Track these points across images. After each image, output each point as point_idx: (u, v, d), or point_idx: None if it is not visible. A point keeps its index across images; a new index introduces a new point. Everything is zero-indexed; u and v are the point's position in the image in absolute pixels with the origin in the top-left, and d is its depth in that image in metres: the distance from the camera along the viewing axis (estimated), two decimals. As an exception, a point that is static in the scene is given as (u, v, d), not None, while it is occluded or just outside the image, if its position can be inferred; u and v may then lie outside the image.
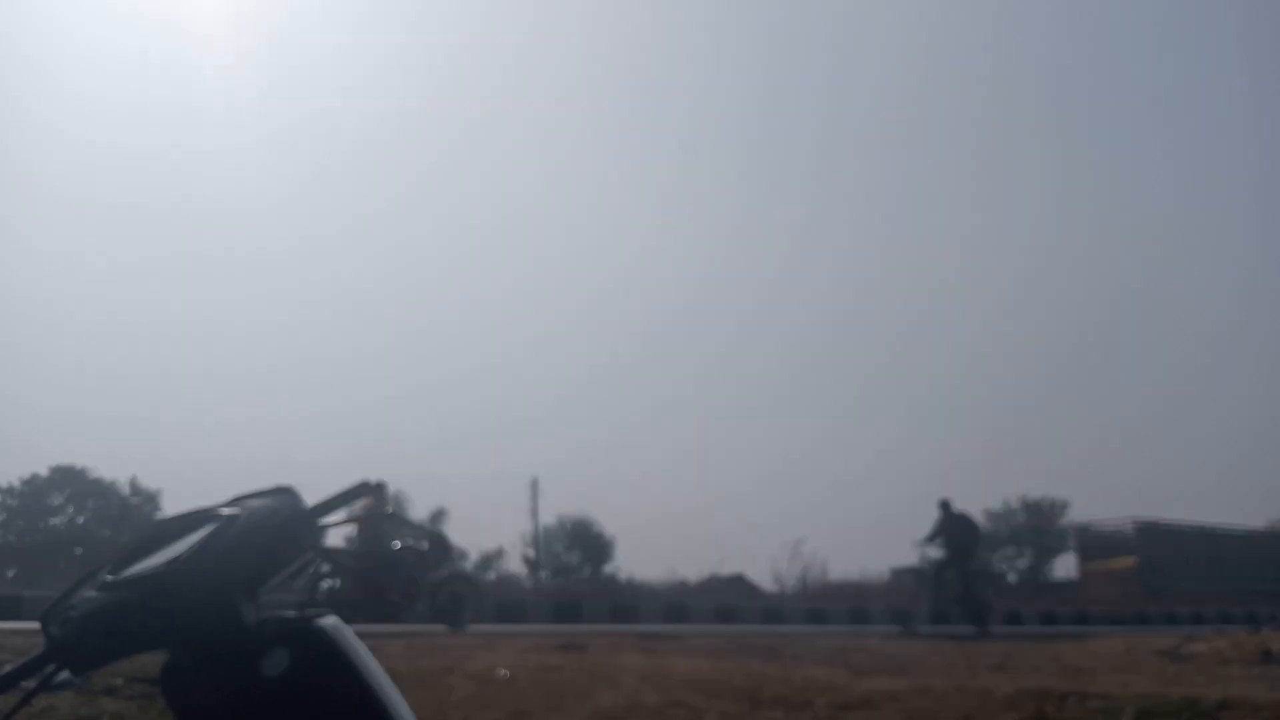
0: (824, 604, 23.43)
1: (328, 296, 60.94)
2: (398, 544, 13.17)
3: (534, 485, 35.60)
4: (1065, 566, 38.58)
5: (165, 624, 1.24)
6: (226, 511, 1.36)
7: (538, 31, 73.14)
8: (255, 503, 1.40)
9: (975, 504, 42.17)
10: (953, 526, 16.33)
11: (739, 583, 30.15)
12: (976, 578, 17.96)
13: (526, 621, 16.70)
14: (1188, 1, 64.41)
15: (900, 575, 37.99)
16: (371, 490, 1.55)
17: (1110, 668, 8.83)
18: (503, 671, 6.67)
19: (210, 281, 60.14)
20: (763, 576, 32.38)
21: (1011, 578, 37.40)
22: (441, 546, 14.11)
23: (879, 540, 39.12)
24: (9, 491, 27.96)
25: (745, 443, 55.85)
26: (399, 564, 12.91)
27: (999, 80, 69.80)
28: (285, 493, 1.45)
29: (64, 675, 1.25)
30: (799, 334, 64.29)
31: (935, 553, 17.29)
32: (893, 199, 67.70)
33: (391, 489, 19.03)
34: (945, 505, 16.80)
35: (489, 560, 33.50)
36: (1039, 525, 38.61)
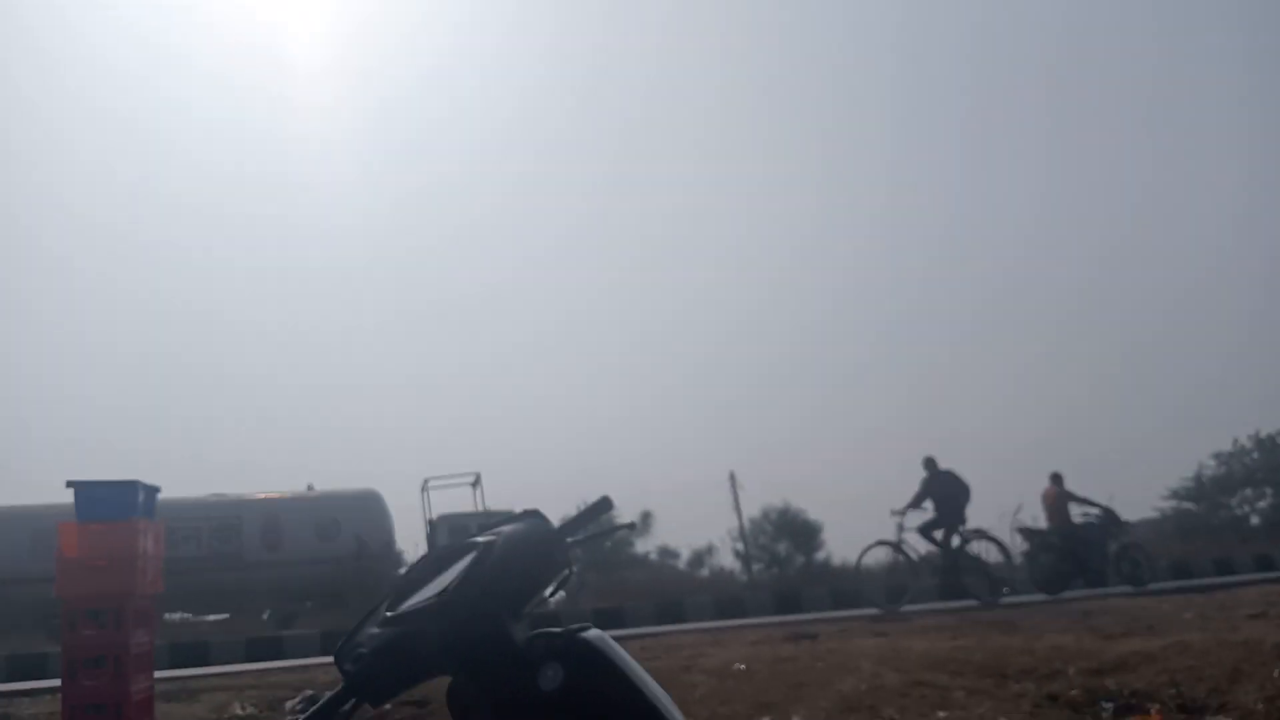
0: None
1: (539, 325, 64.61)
2: (1080, 519, 14.83)
3: (732, 479, 35.91)
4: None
5: (444, 651, 1.35)
6: (484, 540, 1.48)
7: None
8: (508, 529, 1.51)
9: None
10: (940, 487, 14.28)
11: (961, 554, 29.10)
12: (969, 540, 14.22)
13: (748, 615, 16.72)
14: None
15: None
16: (610, 505, 1.63)
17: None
18: (739, 665, 6.75)
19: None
20: (984, 548, 31.16)
21: (1255, 521, 34.27)
22: (1115, 519, 15.21)
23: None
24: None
25: (944, 409, 54.65)
26: (1091, 537, 14.60)
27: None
28: (534, 515, 1.57)
29: (363, 708, 1.34)
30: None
31: (915, 519, 14.48)
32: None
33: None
34: (931, 463, 14.67)
35: (701, 557, 33.85)
36: (1276, 462, 35.02)
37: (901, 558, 13.81)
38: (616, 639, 1.41)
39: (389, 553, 25.34)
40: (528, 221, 74.48)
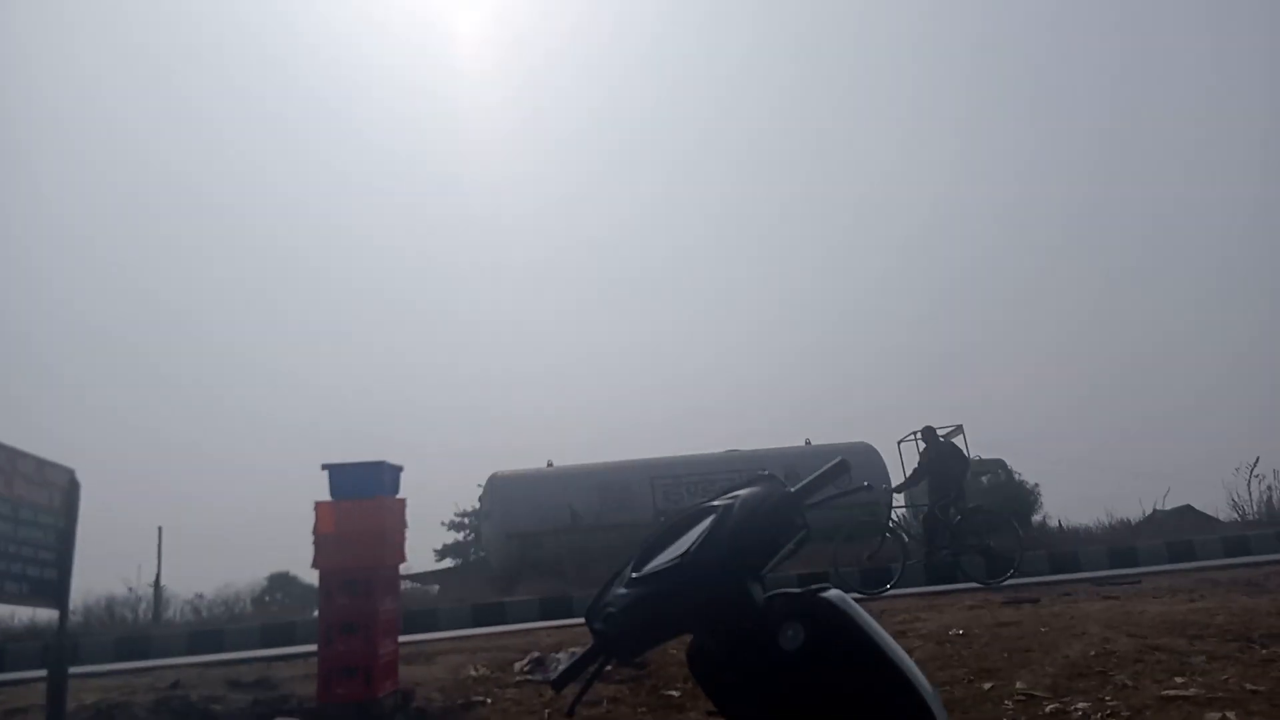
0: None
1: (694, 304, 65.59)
2: None
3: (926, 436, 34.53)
4: None
5: (688, 610, 1.42)
6: (722, 503, 1.54)
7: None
8: (745, 492, 1.57)
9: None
10: (937, 460, 12.67)
11: (1189, 514, 27.04)
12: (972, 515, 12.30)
13: (957, 581, 16.27)
14: None
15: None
16: (847, 468, 1.63)
17: None
18: (957, 630, 6.62)
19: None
20: (1217, 505, 28.90)
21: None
22: None
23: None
24: (475, 514, 31.93)
25: (1164, 364, 51.12)
26: None
27: None
28: (770, 479, 1.61)
29: (612, 663, 1.46)
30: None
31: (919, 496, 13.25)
32: None
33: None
34: (930, 433, 13.29)
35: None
36: None
37: (891, 537, 12.27)
38: None
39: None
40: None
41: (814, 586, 1.44)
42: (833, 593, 1.43)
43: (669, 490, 26.12)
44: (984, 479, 26.64)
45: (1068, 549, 18.43)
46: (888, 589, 11.55)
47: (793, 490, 1.57)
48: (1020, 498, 26.01)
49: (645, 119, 76.58)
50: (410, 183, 76.69)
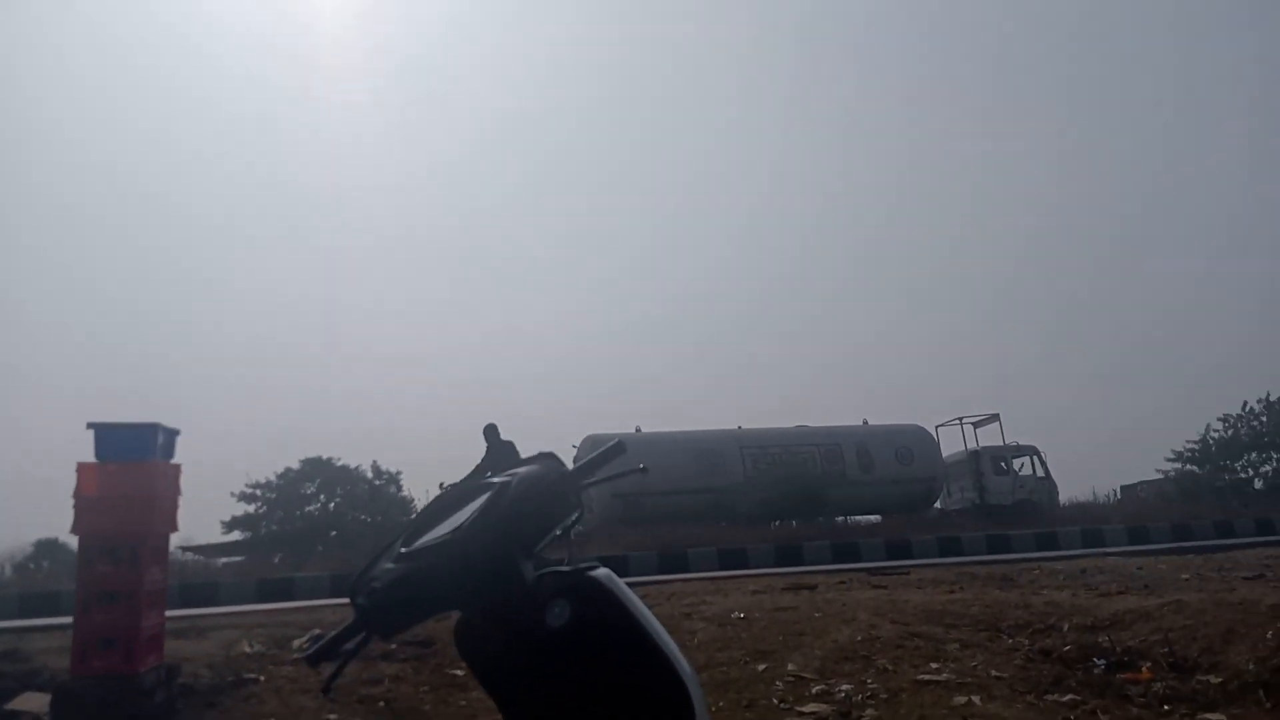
0: (1054, 527, 22.43)
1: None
2: None
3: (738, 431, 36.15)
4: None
5: (456, 587, 1.37)
6: (499, 480, 1.50)
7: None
8: (523, 470, 1.54)
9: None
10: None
11: (961, 514, 29.35)
12: None
13: (750, 566, 16.91)
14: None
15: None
16: (624, 450, 1.63)
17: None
18: (738, 614, 6.86)
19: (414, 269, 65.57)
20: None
21: (1258, 485, 34.11)
22: None
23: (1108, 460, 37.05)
24: (268, 486, 30.69)
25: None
26: None
27: None
28: (548, 458, 1.59)
29: (373, 640, 1.39)
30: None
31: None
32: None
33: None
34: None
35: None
36: None
37: None
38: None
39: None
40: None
41: (583, 565, 1.43)
42: (600, 571, 1.42)
43: (757, 458, 28.20)
44: (1018, 464, 29.77)
45: (850, 540, 19.51)
46: None
47: (570, 470, 1.55)
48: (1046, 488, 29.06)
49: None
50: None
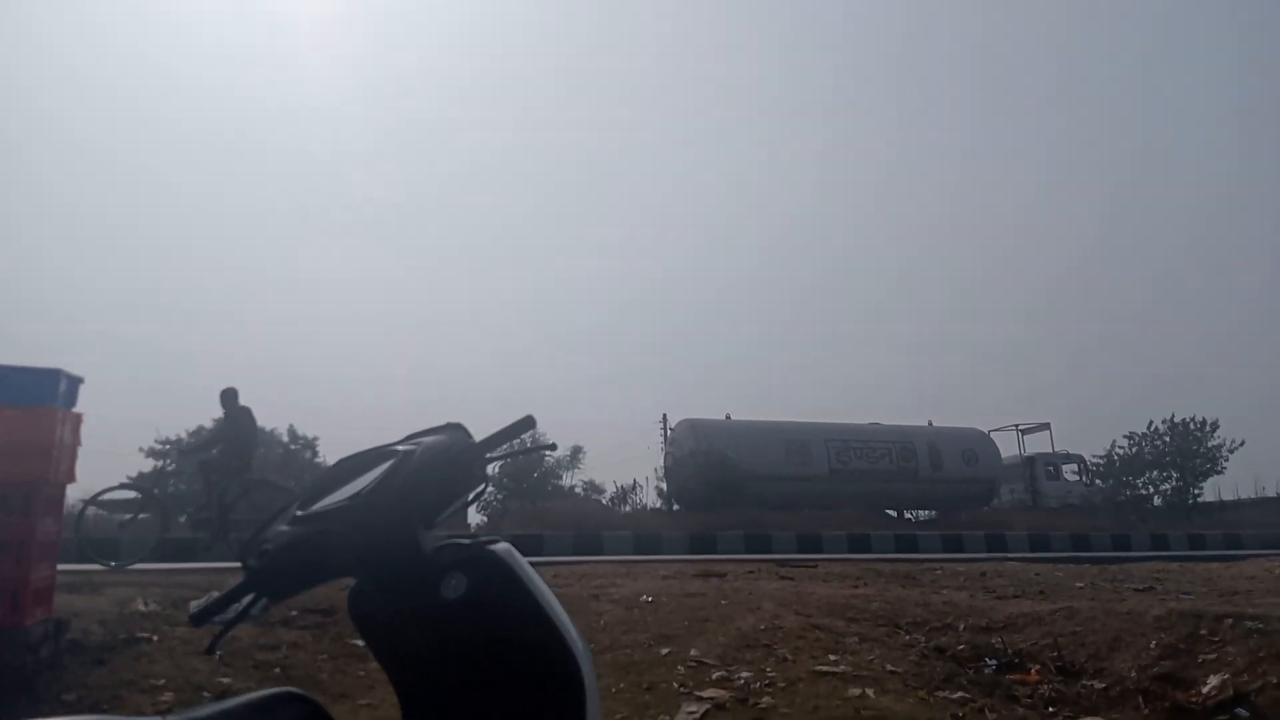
0: (960, 531, 23.07)
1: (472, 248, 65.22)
2: None
3: (664, 421, 36.38)
4: (1216, 489, 37.12)
5: (352, 553, 1.34)
6: (403, 448, 1.47)
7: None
8: (428, 439, 1.51)
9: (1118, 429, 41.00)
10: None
11: (879, 517, 30.11)
12: None
13: (663, 553, 17.03)
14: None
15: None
16: (533, 424, 1.61)
17: (1266, 590, 8.51)
18: (646, 598, 6.90)
19: (352, 238, 64.54)
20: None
21: (1157, 502, 35.53)
22: None
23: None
24: (178, 443, 29.77)
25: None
26: None
27: None
28: (455, 429, 1.56)
29: (262, 603, 1.34)
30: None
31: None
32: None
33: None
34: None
35: (625, 494, 34.24)
36: (1185, 447, 35.80)
37: None
38: (533, 565, 1.42)
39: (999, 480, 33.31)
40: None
41: (483, 538, 1.41)
42: (500, 545, 1.40)
43: (840, 451, 30.35)
44: (1066, 472, 32.74)
45: (763, 532, 19.74)
46: None
47: (477, 442, 1.52)
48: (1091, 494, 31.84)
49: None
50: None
